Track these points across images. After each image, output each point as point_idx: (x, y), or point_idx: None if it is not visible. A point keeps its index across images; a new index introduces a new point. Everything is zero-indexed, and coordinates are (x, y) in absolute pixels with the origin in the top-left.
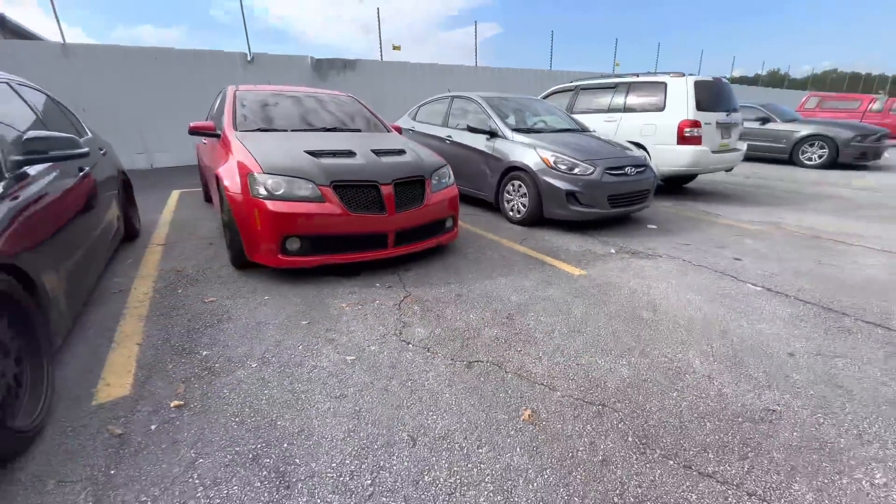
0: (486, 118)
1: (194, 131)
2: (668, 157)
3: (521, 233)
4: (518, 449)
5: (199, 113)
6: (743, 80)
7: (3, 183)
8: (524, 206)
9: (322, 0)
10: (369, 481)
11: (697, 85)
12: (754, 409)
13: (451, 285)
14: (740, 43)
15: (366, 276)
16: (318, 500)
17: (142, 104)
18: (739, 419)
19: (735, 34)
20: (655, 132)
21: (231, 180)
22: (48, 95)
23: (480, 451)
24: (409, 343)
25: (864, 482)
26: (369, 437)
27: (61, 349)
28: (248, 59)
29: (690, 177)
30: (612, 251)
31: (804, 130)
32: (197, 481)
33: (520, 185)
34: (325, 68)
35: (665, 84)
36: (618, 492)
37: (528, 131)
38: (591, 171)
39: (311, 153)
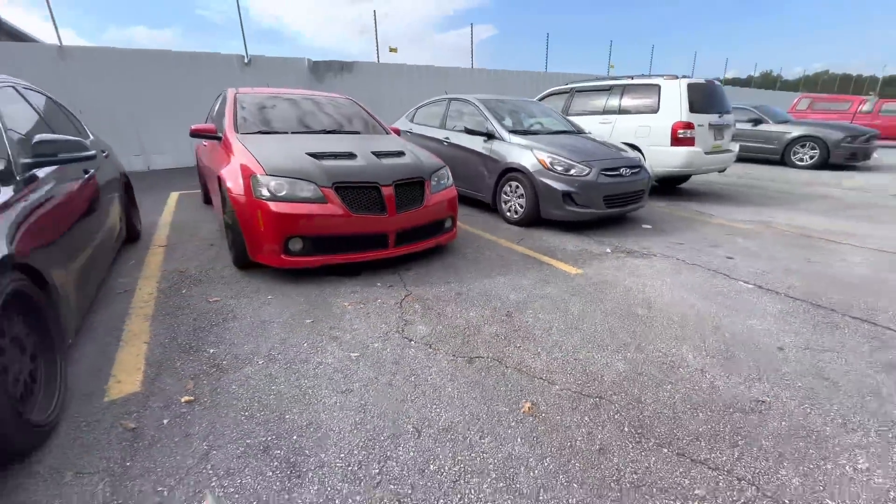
0: (483, 120)
1: (195, 134)
2: (662, 158)
3: (518, 233)
4: (519, 439)
5: (196, 115)
6: (736, 82)
7: (14, 185)
8: (521, 206)
9: (317, 0)
10: (377, 470)
11: (690, 87)
12: (745, 400)
13: (450, 284)
14: (734, 44)
15: (367, 276)
16: (329, 489)
17: (138, 106)
18: (730, 410)
19: (729, 36)
20: (649, 134)
21: (234, 182)
22: (51, 98)
23: (483, 441)
24: (411, 340)
25: (847, 467)
26: (375, 429)
27: (71, 348)
28: (245, 61)
29: (684, 177)
30: (608, 250)
31: (795, 131)
32: (211, 471)
33: (517, 186)
34: (322, 70)
35: (659, 86)
36: (615, 478)
37: (524, 133)
38: (586, 172)
39: (313, 155)
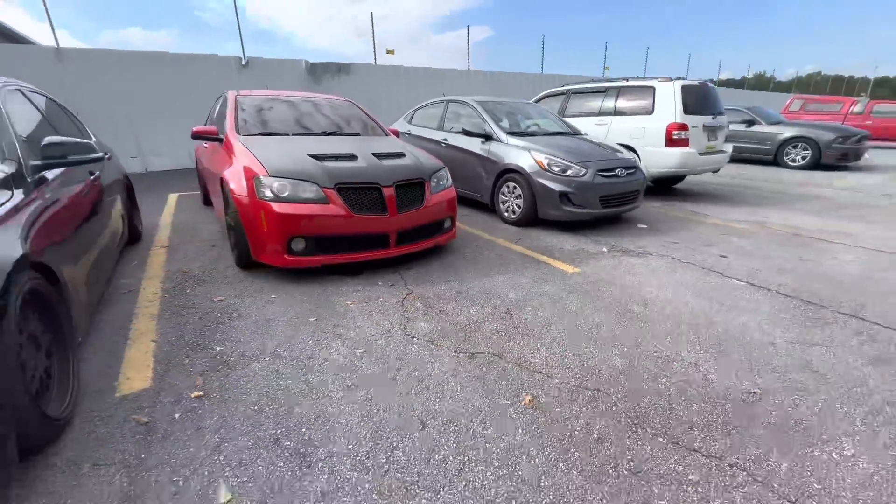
0: (480, 122)
1: (197, 135)
2: (657, 158)
3: (516, 233)
4: (520, 430)
5: (194, 117)
6: (730, 83)
7: (25, 187)
8: (519, 207)
9: (314, 1)
10: (384, 459)
11: (684, 89)
12: (737, 391)
13: (451, 283)
14: (728, 46)
15: (368, 275)
16: (338, 477)
17: (136, 108)
18: (723, 401)
19: (723, 37)
20: (644, 135)
21: (237, 183)
22: (55, 101)
23: (486, 432)
24: (413, 337)
25: (834, 454)
26: (382, 422)
27: (80, 346)
28: (243, 62)
29: (679, 178)
30: (605, 250)
31: (788, 132)
32: (224, 462)
33: (514, 187)
34: (320, 72)
35: (653, 88)
36: (612, 465)
37: (522, 134)
38: (583, 172)
39: (315, 156)
